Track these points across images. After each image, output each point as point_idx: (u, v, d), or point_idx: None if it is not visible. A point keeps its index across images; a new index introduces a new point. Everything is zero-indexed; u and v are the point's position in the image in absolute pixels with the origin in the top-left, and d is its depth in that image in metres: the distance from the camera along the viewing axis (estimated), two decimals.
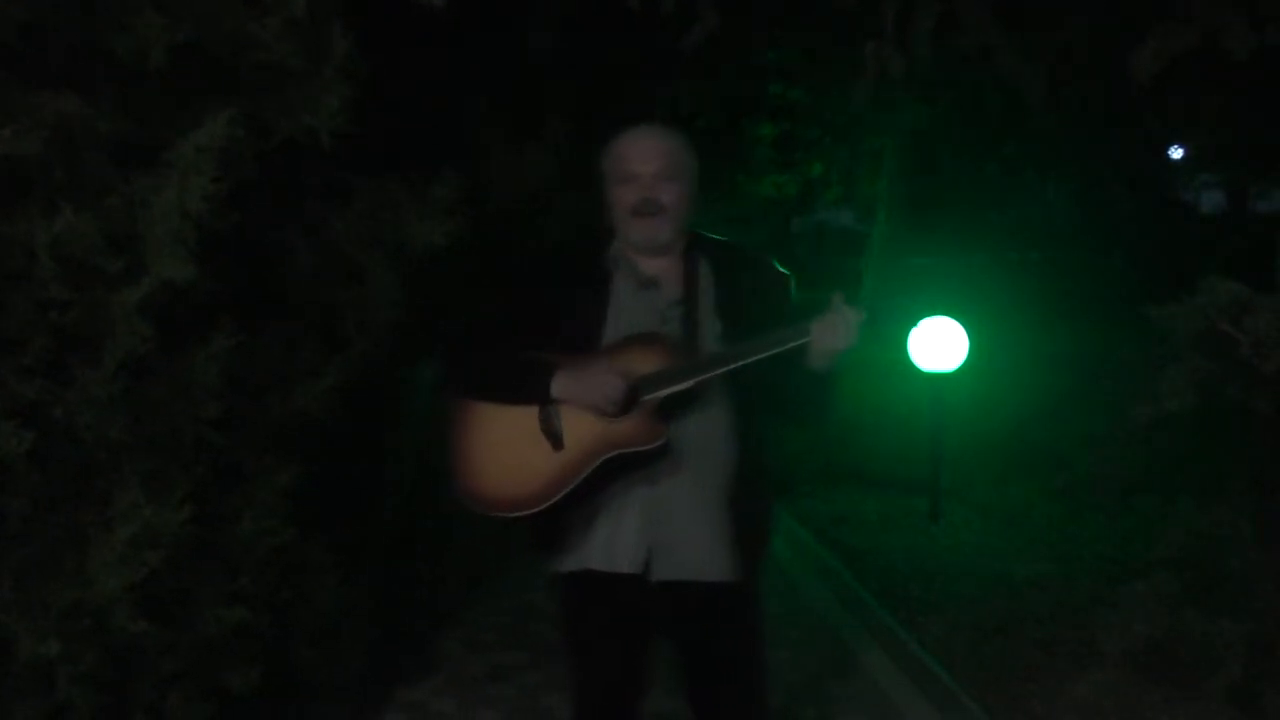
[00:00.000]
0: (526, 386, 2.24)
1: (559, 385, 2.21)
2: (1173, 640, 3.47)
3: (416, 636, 4.31)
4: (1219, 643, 3.31)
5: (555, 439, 2.22)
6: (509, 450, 2.25)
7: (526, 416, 2.24)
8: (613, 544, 2.26)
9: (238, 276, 2.86)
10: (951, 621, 4.47)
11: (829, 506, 6.26)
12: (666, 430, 2.17)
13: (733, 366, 2.17)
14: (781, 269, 2.40)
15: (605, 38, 5.53)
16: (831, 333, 2.14)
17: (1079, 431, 7.31)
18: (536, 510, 2.20)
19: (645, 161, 2.28)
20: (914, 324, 5.75)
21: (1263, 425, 3.27)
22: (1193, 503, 3.75)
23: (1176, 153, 14.72)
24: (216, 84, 2.67)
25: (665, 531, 2.25)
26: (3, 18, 2.31)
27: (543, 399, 2.22)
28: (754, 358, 2.16)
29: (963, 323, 5.70)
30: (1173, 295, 3.20)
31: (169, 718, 2.73)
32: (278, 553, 2.97)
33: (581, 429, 2.21)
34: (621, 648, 2.36)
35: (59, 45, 2.45)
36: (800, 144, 13.94)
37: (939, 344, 5.64)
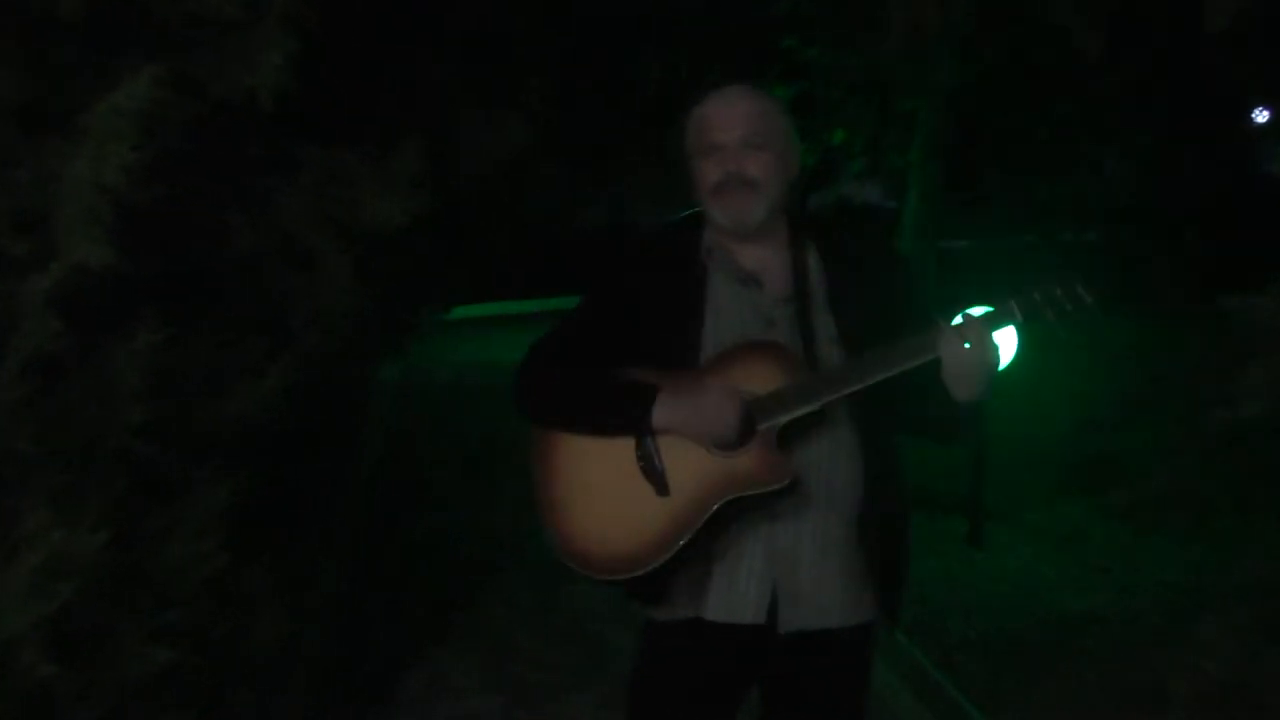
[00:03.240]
0: (619, 414, 2.19)
1: (662, 413, 2.15)
2: (1252, 682, 3.47)
3: (374, 677, 4.30)
4: None
5: (659, 482, 2.16)
6: (606, 497, 2.20)
7: (621, 454, 2.19)
8: (732, 592, 2.22)
9: (165, 261, 2.85)
10: (995, 662, 4.47)
11: None
12: (793, 468, 2.13)
13: (865, 385, 2.12)
14: (895, 251, 2.39)
15: None
16: (958, 353, 2.09)
17: (1144, 441, 7.29)
18: (642, 572, 2.14)
19: (729, 128, 2.25)
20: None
21: None
22: (1274, 523, 3.75)
23: (1261, 116, 14.73)
24: (139, 37, 2.66)
25: (793, 576, 2.22)
26: None
27: (641, 429, 2.17)
28: (886, 373, 2.11)
29: None
30: (1255, 282, 3.19)
31: None
32: (212, 581, 2.97)
33: (689, 467, 2.15)
34: (716, 707, 2.34)
35: None
36: (818, 107, 13.91)
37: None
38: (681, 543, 2.12)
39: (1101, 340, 10.62)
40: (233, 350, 3.11)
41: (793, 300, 2.26)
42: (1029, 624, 4.84)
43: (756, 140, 2.25)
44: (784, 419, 2.13)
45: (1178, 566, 5.41)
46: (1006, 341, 5.60)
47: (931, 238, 12.76)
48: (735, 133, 2.24)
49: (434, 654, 4.56)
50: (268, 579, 3.29)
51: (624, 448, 2.19)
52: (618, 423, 2.19)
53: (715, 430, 2.13)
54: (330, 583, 3.91)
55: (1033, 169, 14.34)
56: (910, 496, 2.38)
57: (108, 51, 2.59)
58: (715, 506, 2.12)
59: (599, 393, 2.24)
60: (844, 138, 14.35)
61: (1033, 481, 6.82)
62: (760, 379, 2.15)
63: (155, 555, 2.86)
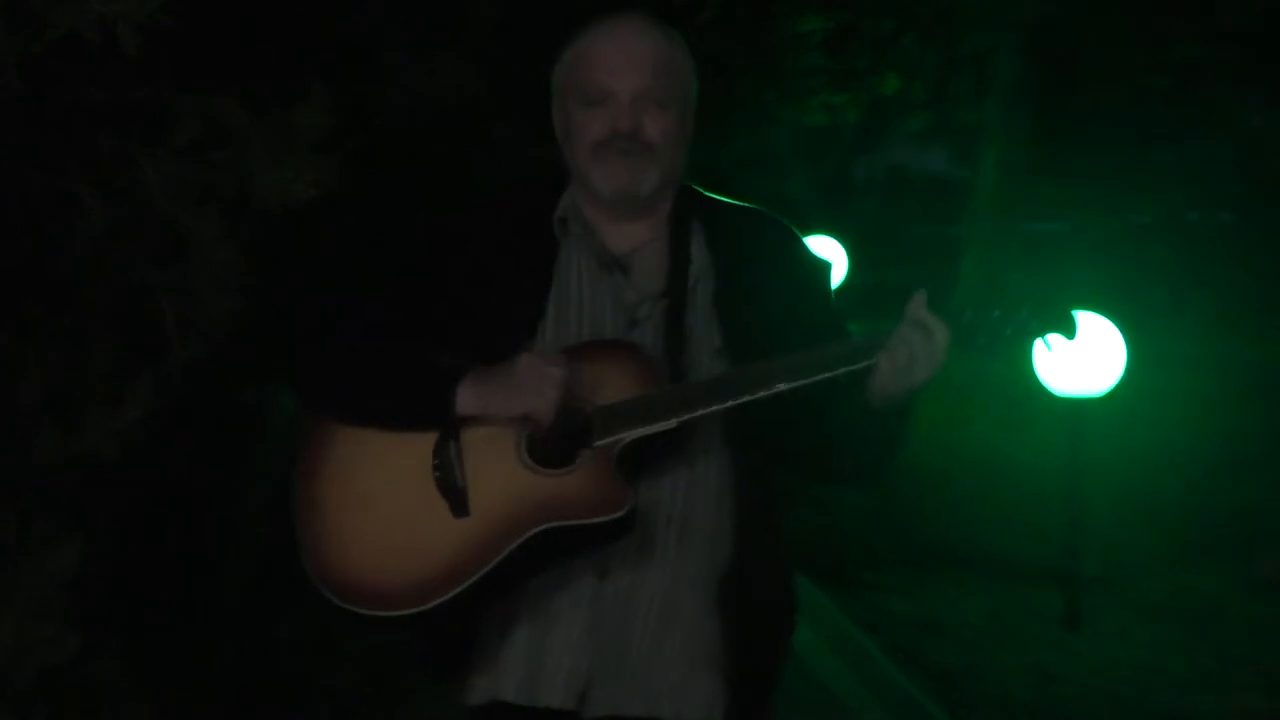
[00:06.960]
0: (417, 397, 2.21)
1: (469, 393, 2.15)
2: None
3: None
4: None
5: (457, 499, 2.16)
6: (386, 512, 2.20)
7: (413, 461, 2.20)
8: (538, 663, 2.22)
9: None
10: None
11: (911, 605, 6.27)
12: (632, 495, 2.12)
13: (744, 400, 2.13)
14: (809, 252, 2.39)
15: None
16: (907, 357, 2.08)
17: None
18: (423, 609, 2.12)
19: (623, 73, 2.26)
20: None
21: None
22: None
23: None
24: None
25: (619, 647, 2.21)
26: None
27: (441, 417, 2.18)
28: (782, 387, 2.12)
29: (1117, 322, 5.72)
30: None
31: None
32: (53, 674, 2.97)
33: (498, 485, 2.16)
34: None
35: None
36: (866, 46, 13.97)
37: (1081, 354, 5.66)
38: (476, 577, 2.10)
39: (1238, 359, 10.67)
40: (82, 366, 3.12)
41: (667, 296, 2.28)
42: None
43: (657, 94, 2.26)
44: (629, 436, 2.14)
45: None
46: (1112, 357, 5.63)
47: (1013, 217, 12.79)
48: (631, 81, 2.25)
49: None
50: (127, 670, 3.29)
51: (418, 453, 2.20)
52: (414, 405, 2.21)
53: (532, 407, 2.12)
54: (212, 671, 3.91)
55: (1148, 128, 14.37)
56: (789, 569, 2.37)
57: None
58: (525, 537, 2.10)
59: (394, 372, 2.25)
60: (898, 86, 14.40)
61: (1148, 544, 6.84)
62: (607, 387, 2.17)
63: None
